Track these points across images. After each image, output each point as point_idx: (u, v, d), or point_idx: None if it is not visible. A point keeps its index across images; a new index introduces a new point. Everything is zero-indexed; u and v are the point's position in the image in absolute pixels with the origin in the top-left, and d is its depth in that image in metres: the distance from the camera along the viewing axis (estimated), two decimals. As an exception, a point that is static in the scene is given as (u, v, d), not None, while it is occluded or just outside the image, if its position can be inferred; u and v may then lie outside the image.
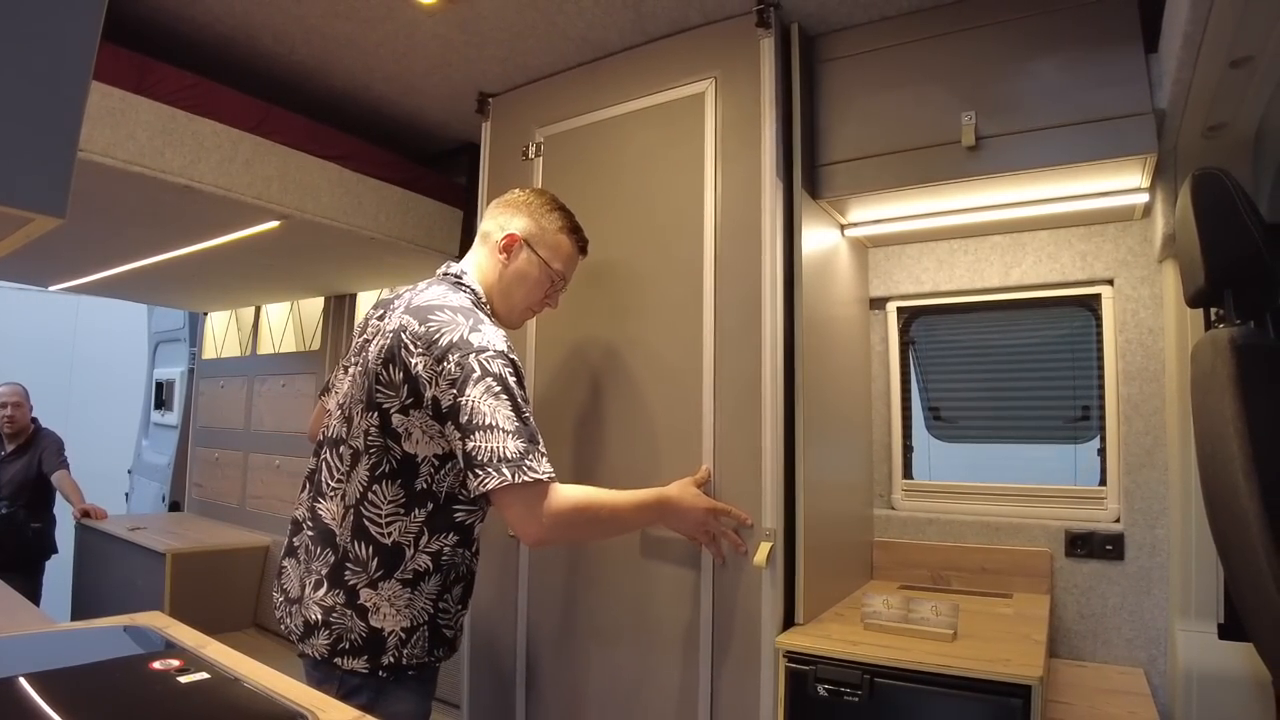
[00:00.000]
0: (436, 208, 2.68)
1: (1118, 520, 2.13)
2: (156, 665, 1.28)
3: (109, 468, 6.17)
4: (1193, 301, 1.60)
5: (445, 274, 1.61)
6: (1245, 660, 1.82)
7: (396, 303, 1.55)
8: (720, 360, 1.86)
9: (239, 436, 4.03)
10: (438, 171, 2.79)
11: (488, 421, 1.32)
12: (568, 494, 1.40)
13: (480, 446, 1.32)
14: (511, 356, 1.41)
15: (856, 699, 1.56)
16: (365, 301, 3.45)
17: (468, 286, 1.59)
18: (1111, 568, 2.11)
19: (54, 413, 7.09)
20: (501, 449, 1.32)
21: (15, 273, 3.83)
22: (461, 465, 1.36)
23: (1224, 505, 1.42)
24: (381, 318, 1.54)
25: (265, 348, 4.06)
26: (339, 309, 3.50)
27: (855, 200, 2.03)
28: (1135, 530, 2.09)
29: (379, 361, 1.42)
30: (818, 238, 2.02)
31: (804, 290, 1.87)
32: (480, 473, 1.32)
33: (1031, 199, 2.00)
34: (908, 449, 2.43)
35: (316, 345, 3.62)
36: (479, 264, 1.65)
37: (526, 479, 1.32)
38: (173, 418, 4.95)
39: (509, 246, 1.63)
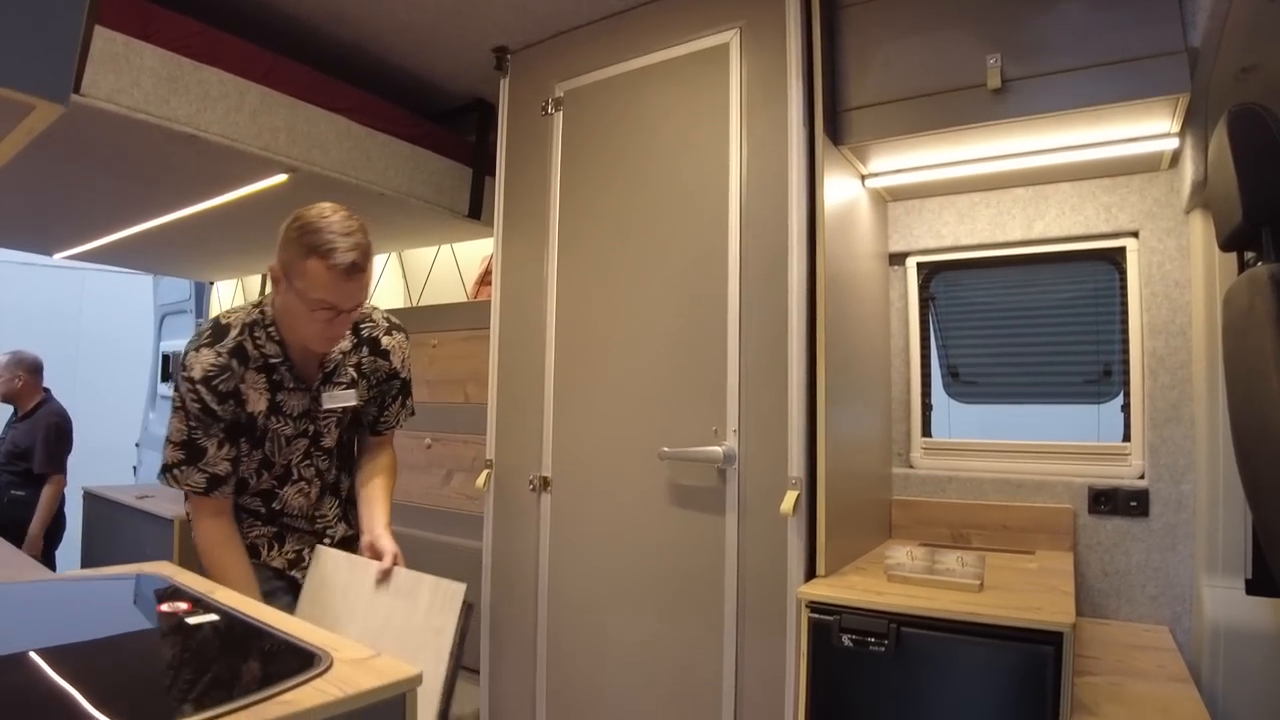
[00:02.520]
0: (446, 165, 2.63)
1: (1142, 476, 2.09)
2: (164, 607, 1.26)
3: (117, 441, 6.17)
4: (1226, 244, 1.56)
5: (264, 293, 1.67)
6: (1273, 615, 1.79)
7: None
8: (746, 311, 1.83)
9: (247, 405, 3.99)
10: (447, 129, 2.73)
11: (166, 430, 1.62)
12: (209, 521, 1.63)
13: (164, 444, 1.62)
14: (198, 385, 1.55)
15: (882, 649, 1.52)
16: (373, 267, 3.40)
17: (266, 308, 1.63)
18: (1136, 524, 2.07)
19: (61, 388, 7.10)
20: (168, 454, 1.60)
21: (20, 239, 3.78)
22: None
23: (1260, 447, 1.38)
24: None
25: (272, 315, 4.01)
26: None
27: (877, 148, 1.98)
28: (1161, 486, 2.05)
29: None
30: (839, 188, 1.97)
31: (825, 243, 1.82)
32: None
33: (1057, 146, 1.94)
34: (927, 407, 2.39)
35: (324, 311, 3.58)
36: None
37: (174, 485, 1.61)
38: (180, 390, 4.92)
39: (275, 280, 1.58)
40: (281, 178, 2.30)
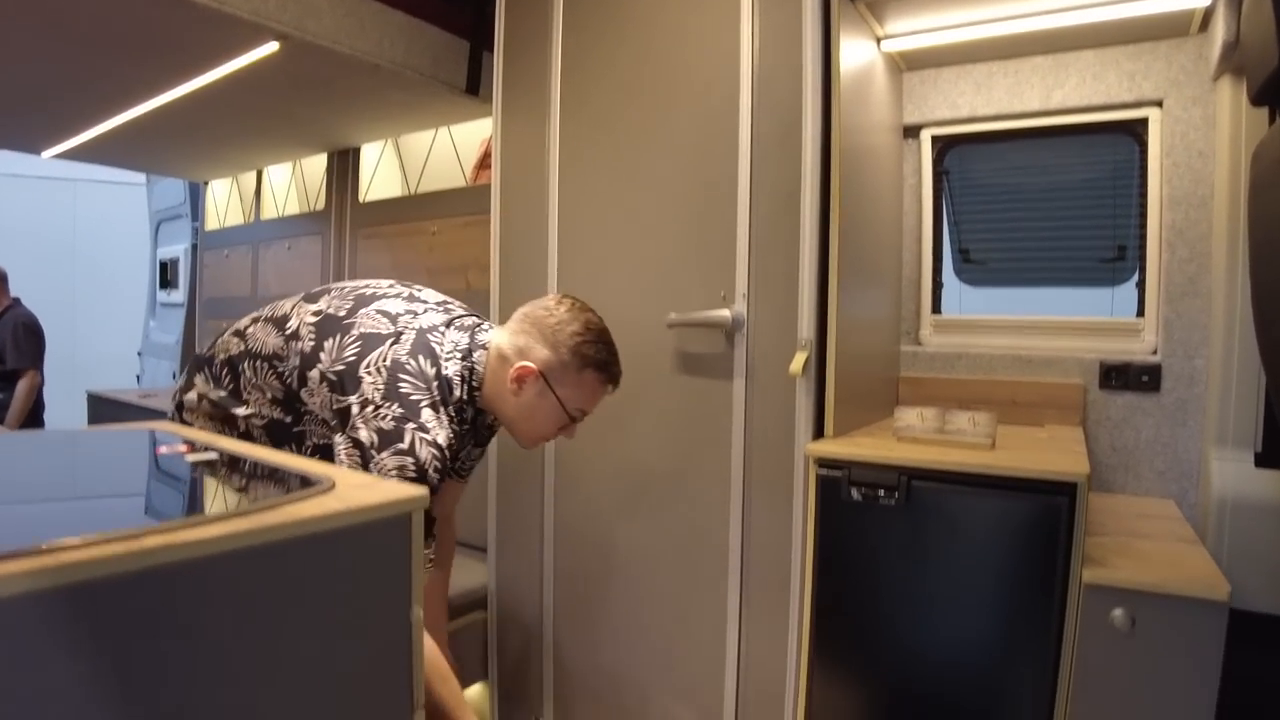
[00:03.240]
0: (443, 37, 2.52)
1: (1155, 352, 2.06)
2: (163, 449, 1.24)
3: (119, 352, 6.17)
4: (1258, 97, 1.50)
5: (474, 339, 1.49)
6: (1281, 487, 1.78)
7: (404, 329, 1.45)
8: (757, 174, 1.76)
9: (245, 304, 3.92)
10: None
11: None
12: (428, 644, 1.38)
13: None
14: (445, 451, 1.36)
15: (892, 502, 1.51)
16: (368, 156, 3.32)
17: (477, 365, 1.48)
18: (1147, 399, 2.05)
19: (59, 303, 7.07)
20: None
21: (6, 135, 3.68)
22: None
23: (1281, 307, 1.34)
24: (385, 339, 1.43)
25: (269, 213, 3.95)
26: (342, 165, 3.37)
27: (895, 5, 1.88)
28: (1173, 361, 2.02)
29: (331, 381, 1.41)
30: (855, 51, 1.88)
31: (841, 108, 1.73)
32: None
33: (1084, 3, 1.85)
34: (938, 285, 2.35)
35: (321, 205, 3.51)
36: (492, 369, 1.49)
37: None
38: (178, 295, 4.89)
39: (521, 379, 1.46)
40: (273, 47, 2.21)
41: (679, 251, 1.88)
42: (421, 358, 1.40)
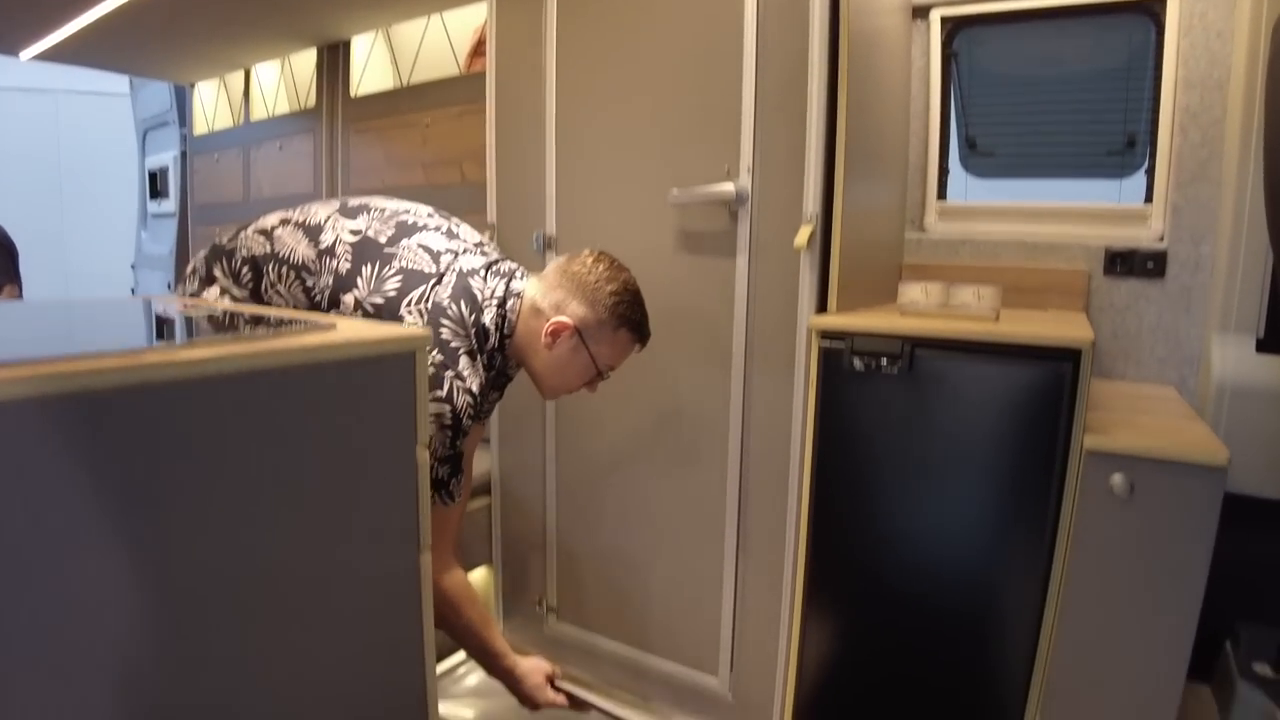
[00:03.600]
0: (435, -88, 2.43)
1: (1161, 239, 2.04)
2: (159, 309, 1.23)
3: (112, 267, 6.10)
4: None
5: (510, 288, 1.48)
6: (1282, 372, 1.78)
7: (446, 269, 1.44)
8: (763, 45, 1.70)
9: (239, 209, 3.89)
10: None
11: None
12: (456, 571, 1.48)
13: None
14: (477, 396, 1.40)
15: (895, 371, 1.51)
16: (359, 49, 3.22)
17: (510, 314, 1.48)
18: (1151, 286, 2.04)
19: (48, 220, 6.97)
20: (436, 473, 1.38)
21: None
22: None
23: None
24: (427, 280, 1.42)
25: (259, 113, 3.85)
26: (333, 61, 3.27)
27: None
28: (1180, 247, 2.01)
29: (367, 312, 1.41)
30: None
31: None
32: None
33: None
34: (944, 171, 2.30)
35: (312, 103, 3.42)
36: (525, 320, 1.49)
37: (449, 504, 1.43)
38: (170, 205, 4.79)
39: (556, 333, 1.46)
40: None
41: (681, 126, 1.83)
42: (462, 303, 1.41)
